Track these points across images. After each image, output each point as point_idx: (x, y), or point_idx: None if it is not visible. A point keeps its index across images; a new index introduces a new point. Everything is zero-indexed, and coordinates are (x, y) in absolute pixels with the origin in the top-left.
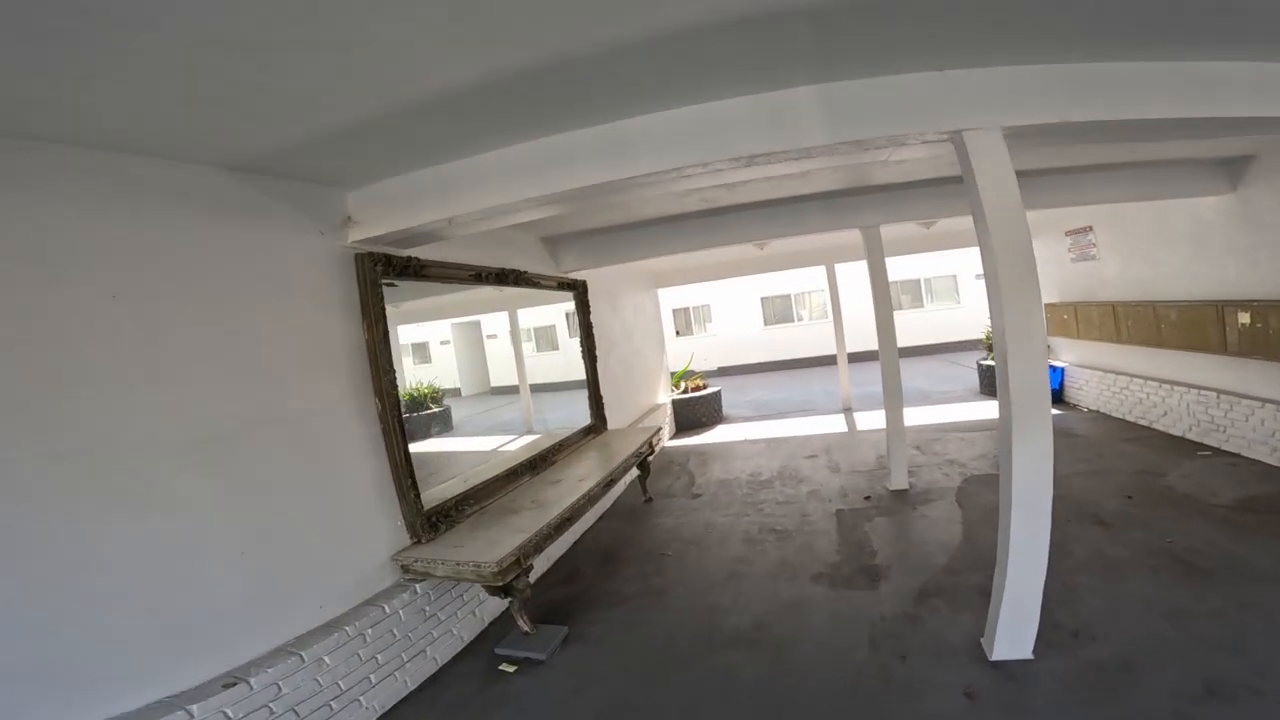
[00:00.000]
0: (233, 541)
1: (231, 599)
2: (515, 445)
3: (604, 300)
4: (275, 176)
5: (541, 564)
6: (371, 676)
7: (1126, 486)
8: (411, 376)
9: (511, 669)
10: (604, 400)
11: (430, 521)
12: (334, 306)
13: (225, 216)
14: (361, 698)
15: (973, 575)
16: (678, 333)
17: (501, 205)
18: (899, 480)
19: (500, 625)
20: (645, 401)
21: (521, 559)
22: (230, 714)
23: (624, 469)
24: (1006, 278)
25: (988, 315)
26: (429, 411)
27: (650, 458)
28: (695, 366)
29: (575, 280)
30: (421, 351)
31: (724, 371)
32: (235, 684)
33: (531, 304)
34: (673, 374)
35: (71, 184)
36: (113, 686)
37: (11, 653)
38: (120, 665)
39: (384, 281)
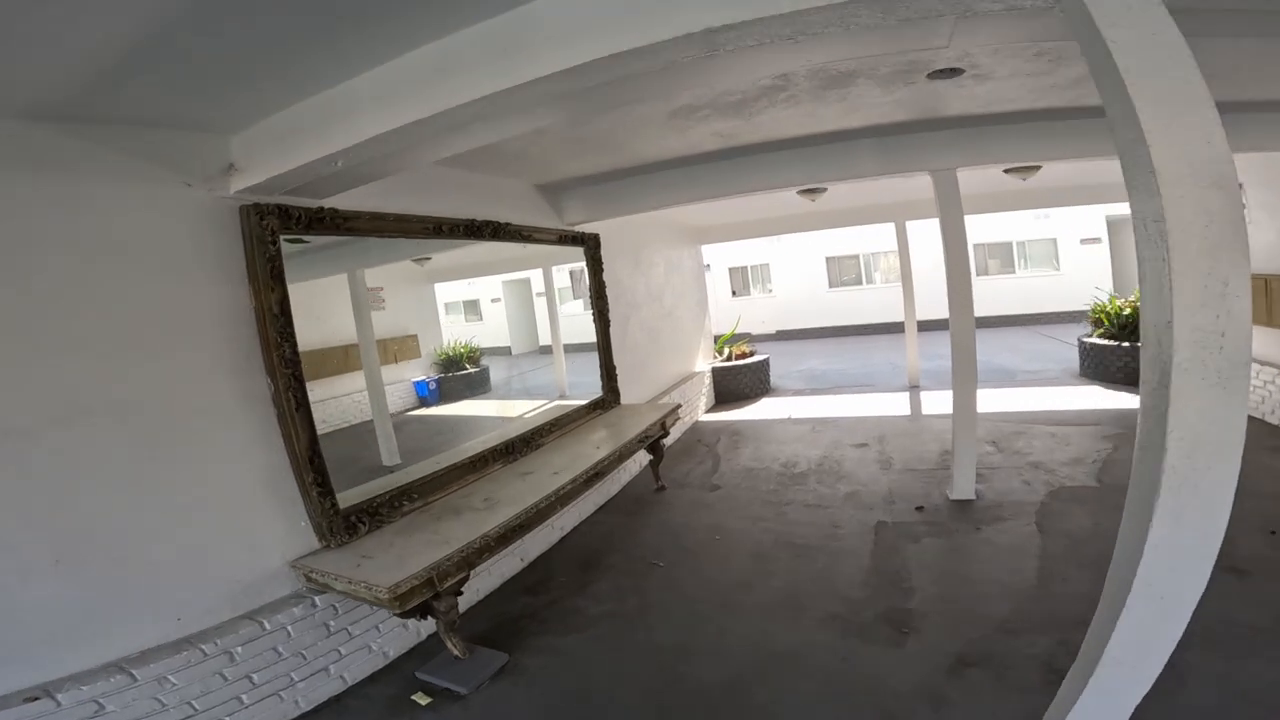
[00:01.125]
0: (38, 549)
1: (43, 611)
2: (541, 410)
3: (625, 257)
4: (113, 125)
5: (513, 564)
6: (244, 697)
7: (1271, 517)
8: (463, 334)
9: (425, 701)
10: (618, 370)
11: (349, 522)
12: (205, 269)
13: (37, 176)
14: (227, 718)
15: (1038, 638)
16: (734, 293)
17: (385, 134)
18: (963, 487)
19: (439, 641)
20: (677, 370)
21: (436, 580)
22: None
23: (619, 458)
24: (1181, 229)
25: (1093, 284)
26: (464, 373)
27: (664, 440)
28: (752, 330)
29: (584, 234)
30: (473, 308)
31: (782, 335)
32: (38, 699)
33: (560, 261)
34: (717, 338)
35: None
36: None
37: None
38: None
39: (286, 238)
